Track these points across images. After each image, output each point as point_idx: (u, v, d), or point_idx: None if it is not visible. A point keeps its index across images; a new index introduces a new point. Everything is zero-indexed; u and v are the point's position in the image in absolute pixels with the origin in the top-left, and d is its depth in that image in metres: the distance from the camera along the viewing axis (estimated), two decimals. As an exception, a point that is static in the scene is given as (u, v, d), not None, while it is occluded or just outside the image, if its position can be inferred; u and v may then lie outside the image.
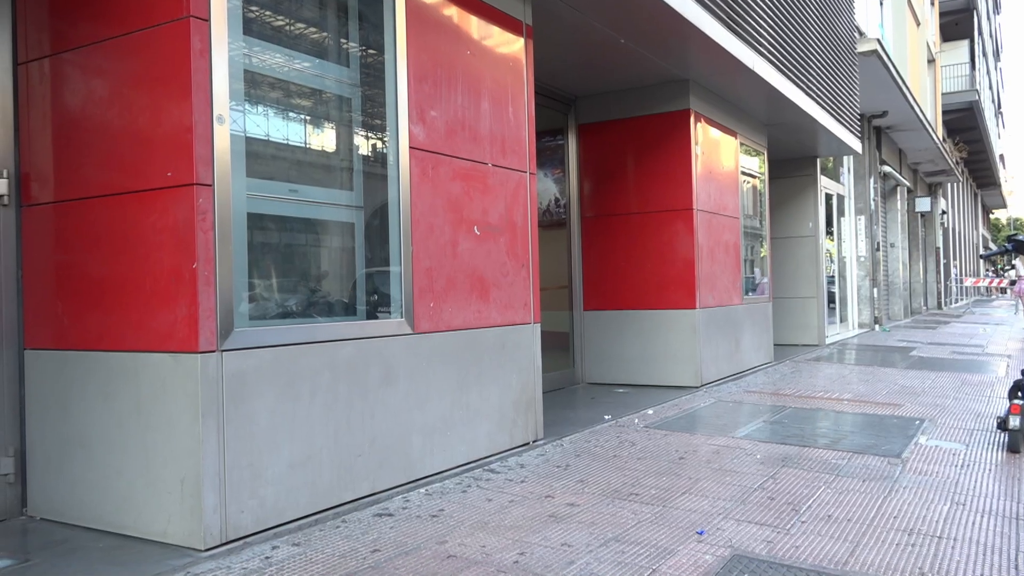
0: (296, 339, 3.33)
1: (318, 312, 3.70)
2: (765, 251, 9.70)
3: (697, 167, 7.26)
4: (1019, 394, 4.80)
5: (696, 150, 7.27)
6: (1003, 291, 33.25)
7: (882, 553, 2.92)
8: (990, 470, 4.14)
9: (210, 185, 3.00)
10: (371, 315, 3.92)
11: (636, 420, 5.60)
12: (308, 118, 3.74)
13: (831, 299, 13.08)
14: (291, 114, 3.63)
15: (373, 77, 3.95)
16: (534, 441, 4.84)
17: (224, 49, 3.08)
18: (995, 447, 4.67)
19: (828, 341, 11.94)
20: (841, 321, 13.85)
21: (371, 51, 3.96)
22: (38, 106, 3.45)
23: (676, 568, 2.79)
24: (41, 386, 3.42)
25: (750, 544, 3.03)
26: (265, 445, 3.16)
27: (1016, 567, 2.79)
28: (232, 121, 3.17)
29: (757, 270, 9.44)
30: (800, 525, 3.25)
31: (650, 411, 5.97)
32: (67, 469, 3.31)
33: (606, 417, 5.69)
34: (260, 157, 3.43)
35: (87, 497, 3.25)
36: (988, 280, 27.01)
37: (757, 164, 9.28)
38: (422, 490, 3.81)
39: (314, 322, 3.59)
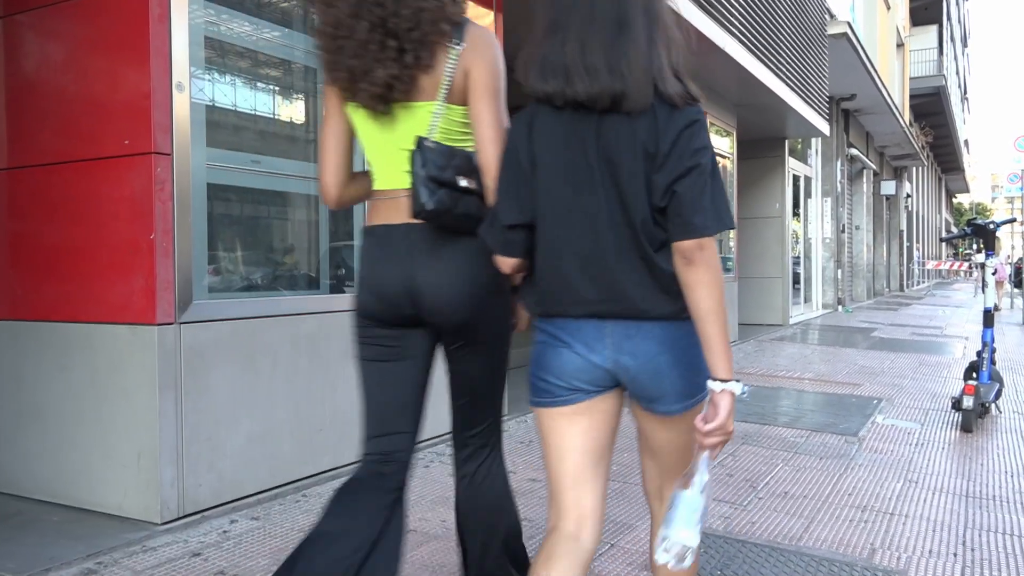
0: (257, 312, 3.29)
1: (281, 285, 3.66)
2: (732, 231, 9.77)
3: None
4: (973, 375, 4.91)
5: (665, 129, 7.27)
6: (969, 273, 33.89)
7: (835, 529, 2.98)
8: (943, 449, 4.23)
9: (169, 154, 2.93)
10: (335, 289, 3.88)
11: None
12: (272, 88, 3.67)
13: (796, 280, 13.24)
14: (255, 83, 3.57)
15: (339, 47, 3.89)
16: (498, 417, 4.84)
17: (184, 15, 3.00)
18: (949, 426, 4.78)
19: (792, 321, 12.10)
20: (805, 302, 14.03)
21: (337, 21, 3.89)
22: (-10, 69, 3.35)
23: (634, 543, 2.82)
24: (-6, 357, 3.35)
25: (708, 520, 3.07)
26: (224, 418, 3.13)
27: (964, 542, 2.86)
28: (194, 89, 3.10)
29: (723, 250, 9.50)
30: (757, 501, 3.30)
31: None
32: (21, 441, 3.26)
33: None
34: (222, 127, 3.37)
35: (41, 470, 3.20)
36: (949, 263, 27.52)
37: (727, 145, 9.32)
38: (384, 465, 3.80)
39: (276, 295, 3.55)
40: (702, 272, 1.50)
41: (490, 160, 1.78)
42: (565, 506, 1.64)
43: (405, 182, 1.78)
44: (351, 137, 1.93)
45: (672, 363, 1.57)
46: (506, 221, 1.64)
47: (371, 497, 1.87)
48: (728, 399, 1.51)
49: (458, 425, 2.09)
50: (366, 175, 1.94)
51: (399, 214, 1.82)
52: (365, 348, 1.95)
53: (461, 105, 1.84)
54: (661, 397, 1.59)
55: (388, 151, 1.85)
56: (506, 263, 1.68)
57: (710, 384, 1.52)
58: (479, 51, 1.88)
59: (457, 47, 1.83)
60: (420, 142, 1.75)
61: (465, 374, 2.00)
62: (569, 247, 1.59)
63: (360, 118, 1.87)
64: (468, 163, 1.80)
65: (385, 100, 1.79)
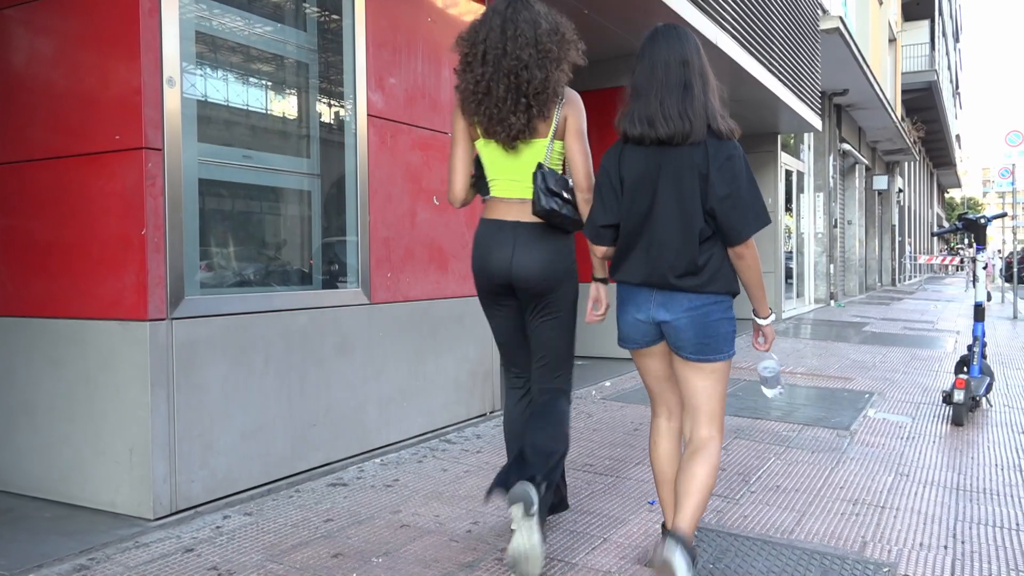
0: (249, 308, 3.28)
1: (273, 281, 3.66)
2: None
3: (659, 141, 7.27)
4: (965, 369, 4.93)
5: (658, 124, 7.27)
6: (959, 268, 34.00)
7: (827, 522, 2.99)
8: (934, 442, 4.25)
9: (160, 149, 2.92)
10: (328, 285, 3.88)
11: (593, 392, 5.65)
12: (264, 83, 3.66)
13: (788, 274, 13.27)
14: (246, 78, 3.55)
15: (332, 42, 3.88)
16: (491, 412, 4.85)
17: (175, 9, 2.99)
18: (940, 420, 4.80)
19: (784, 316, 12.13)
20: (797, 296, 14.07)
21: (330, 15, 3.88)
22: (-20, 64, 3.33)
23: (627, 537, 2.83)
24: (-15, 353, 3.33)
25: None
26: (217, 414, 3.12)
27: (954, 535, 2.88)
28: (186, 84, 3.09)
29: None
30: (749, 495, 3.31)
31: (607, 383, 6.02)
32: (12, 438, 3.25)
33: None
34: (213, 122, 3.36)
35: (33, 466, 3.19)
36: (941, 258, 27.59)
37: (719, 139, 9.32)
38: (377, 460, 3.80)
39: (268, 291, 3.55)
40: (748, 260, 2.35)
41: (581, 179, 2.66)
42: (657, 403, 2.58)
43: (518, 193, 2.66)
44: (473, 158, 2.76)
45: (690, 323, 2.33)
46: (600, 222, 2.46)
47: (516, 393, 2.89)
48: (770, 329, 2.56)
49: (538, 378, 2.78)
50: (474, 185, 2.80)
51: (509, 214, 2.67)
52: (488, 312, 2.84)
53: (560, 140, 2.69)
54: (684, 346, 2.36)
55: (509, 171, 2.69)
56: (599, 250, 2.51)
57: (758, 321, 2.55)
58: (573, 105, 2.73)
59: (561, 101, 2.67)
60: (540, 166, 2.62)
61: (543, 336, 2.73)
62: (636, 237, 2.39)
63: (489, 149, 2.69)
64: (567, 184, 2.65)
65: (514, 139, 2.62)
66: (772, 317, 2.54)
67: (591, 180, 2.63)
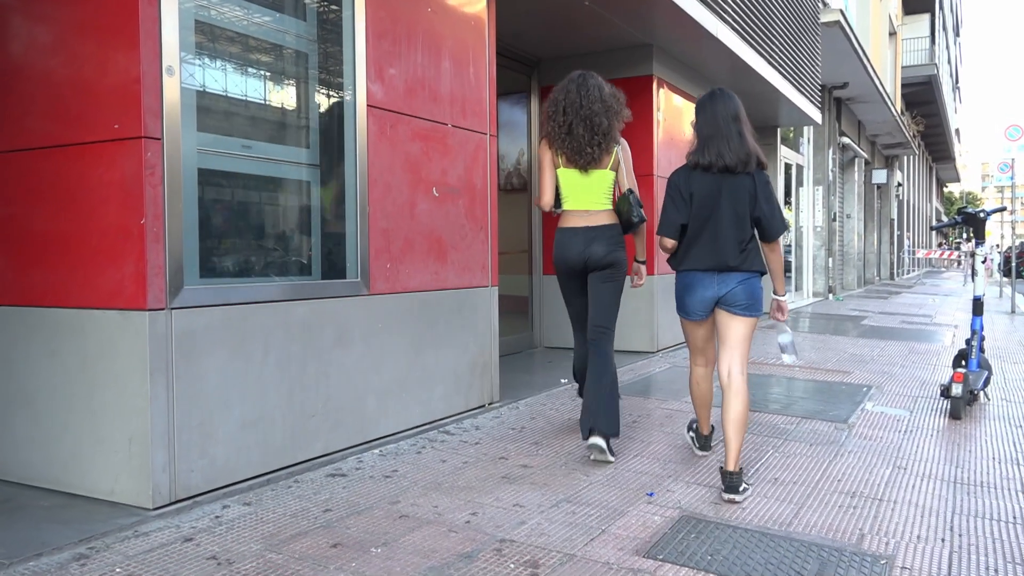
0: (248, 298, 3.28)
1: (272, 271, 3.65)
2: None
3: (658, 133, 7.27)
4: (962, 362, 4.94)
5: (658, 116, 7.27)
6: (958, 263, 34.00)
7: (825, 514, 3.00)
8: (932, 436, 4.26)
9: (159, 139, 2.92)
10: (327, 275, 3.88)
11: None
12: (263, 73, 3.65)
13: (787, 268, 13.28)
14: (246, 68, 3.54)
15: (331, 32, 3.86)
16: (490, 404, 4.86)
17: (174, -2, 2.97)
18: (938, 414, 4.81)
19: (783, 309, 12.12)
20: (796, 290, 14.08)
21: (329, 5, 3.86)
22: (-22, 52, 3.31)
23: (625, 528, 2.83)
24: (-16, 342, 3.33)
25: (698, 506, 3.09)
26: (216, 404, 3.12)
27: (952, 528, 2.88)
28: (185, 74, 3.08)
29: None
30: (747, 488, 3.32)
31: (606, 375, 6.01)
32: (10, 426, 3.25)
33: (562, 381, 5.73)
34: (212, 111, 3.35)
35: (32, 455, 3.19)
36: (940, 252, 27.61)
37: (718, 132, 9.30)
38: (376, 451, 3.81)
39: (267, 281, 3.54)
40: (777, 253, 3.48)
41: (638, 196, 4.03)
42: (697, 356, 3.67)
43: (585, 205, 3.92)
44: (555, 179, 3.98)
45: (745, 290, 3.37)
46: (677, 222, 3.43)
47: (584, 350, 4.07)
48: (785, 303, 3.63)
49: (594, 318, 3.93)
50: (557, 198, 4.02)
51: (582, 221, 3.92)
52: (565, 287, 4.10)
53: (614, 171, 3.97)
54: (737, 304, 3.38)
55: (580, 189, 3.93)
56: (668, 242, 3.49)
57: (777, 297, 3.61)
58: (626, 148, 4.04)
59: (618, 146, 3.97)
60: (630, 191, 3.96)
61: (599, 295, 3.93)
62: (703, 236, 3.40)
63: (568, 173, 3.93)
64: (640, 202, 3.99)
65: (588, 167, 3.89)
66: (788, 295, 3.30)
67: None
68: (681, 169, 3.51)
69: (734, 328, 3.40)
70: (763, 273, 3.43)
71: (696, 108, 3.57)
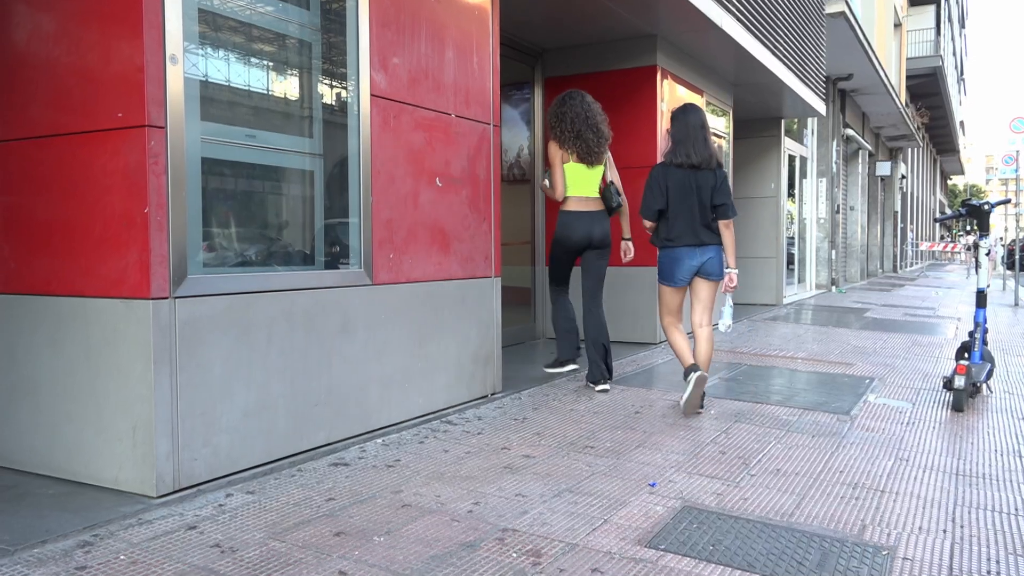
0: (252, 287, 3.28)
1: (276, 261, 3.66)
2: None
3: (662, 124, 7.25)
4: (965, 355, 4.94)
5: (662, 107, 7.25)
6: (961, 256, 33.90)
7: (827, 506, 3.01)
8: (934, 428, 4.26)
9: (162, 127, 2.91)
10: (330, 265, 3.88)
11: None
12: (267, 62, 3.64)
13: (790, 260, 13.26)
14: (249, 57, 3.54)
15: (335, 22, 3.86)
16: (492, 394, 4.87)
17: (178, -14, 2.96)
18: (940, 406, 4.81)
19: (786, 301, 12.14)
20: (799, 282, 14.07)
21: (332, -6, 3.85)
22: (-19, 40, 3.31)
23: (628, 518, 2.84)
24: (-12, 331, 3.34)
25: (700, 496, 3.10)
26: (219, 393, 3.13)
27: (953, 519, 2.89)
28: (188, 63, 3.07)
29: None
30: (749, 478, 3.33)
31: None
32: (15, 414, 3.26)
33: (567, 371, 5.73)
34: (216, 101, 3.34)
35: (36, 443, 3.20)
36: (943, 244, 27.55)
37: (723, 124, 9.29)
38: (379, 440, 3.82)
39: (270, 271, 3.55)
40: (730, 231, 4.53)
41: (621, 187, 5.23)
42: (673, 317, 4.62)
43: (587, 193, 5.05)
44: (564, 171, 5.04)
45: (713, 261, 4.49)
46: (655, 207, 4.51)
47: (570, 312, 5.25)
48: (735, 274, 4.57)
49: (588, 293, 5.13)
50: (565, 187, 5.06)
51: (585, 206, 5.03)
52: (563, 261, 5.18)
53: (603, 167, 5.11)
54: (711, 273, 4.50)
55: (584, 181, 5.03)
56: (648, 223, 4.58)
57: (727, 269, 4.55)
58: (610, 151, 5.21)
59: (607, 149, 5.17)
60: (612, 183, 5.14)
61: (597, 270, 5.12)
62: (680, 219, 4.46)
63: (577, 167, 5.00)
64: (620, 191, 5.18)
65: (593, 164, 5.02)
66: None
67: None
68: (659, 165, 4.58)
69: (705, 290, 4.58)
70: (721, 246, 4.57)
71: (671, 117, 4.62)
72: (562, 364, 5.31)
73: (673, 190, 4.45)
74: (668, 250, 4.51)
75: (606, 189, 5.07)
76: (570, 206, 5.01)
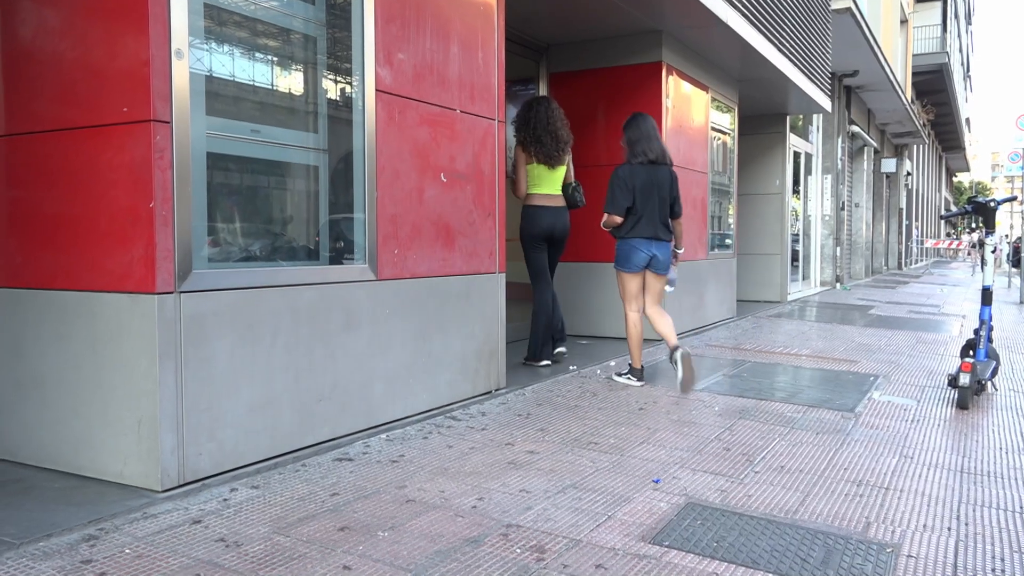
0: (256, 282, 3.28)
1: (280, 256, 3.66)
2: (732, 207, 9.75)
3: (667, 121, 7.24)
4: (970, 352, 4.93)
5: (667, 103, 7.24)
6: (969, 253, 33.80)
7: (831, 503, 3.00)
8: (939, 425, 4.26)
9: (168, 122, 2.92)
10: (335, 260, 3.88)
11: (598, 371, 5.66)
12: (272, 57, 3.64)
13: (794, 257, 13.24)
14: (254, 52, 3.53)
15: (340, 17, 3.85)
16: (496, 390, 4.87)
17: (183, -19, 2.96)
18: (945, 403, 4.80)
19: (790, 298, 12.12)
20: (803, 279, 14.04)
21: (338, -11, 3.85)
22: (-13, 35, 3.31)
23: (631, 514, 2.84)
24: (-6, 325, 3.35)
25: (704, 493, 3.09)
26: (224, 388, 3.13)
27: (958, 517, 2.88)
28: (193, 58, 3.07)
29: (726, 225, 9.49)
30: (754, 475, 3.33)
31: (612, 362, 6.03)
32: (21, 409, 3.27)
33: (569, 368, 5.73)
34: (221, 96, 3.34)
35: (42, 437, 3.21)
36: (948, 242, 27.47)
37: (728, 120, 9.27)
38: (383, 436, 3.82)
39: (275, 266, 3.55)
40: (681, 224, 5.33)
41: (572, 182, 5.87)
42: (635, 303, 5.21)
43: (550, 190, 5.66)
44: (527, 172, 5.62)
45: (664, 256, 5.13)
46: (624, 204, 5.03)
47: (546, 299, 5.78)
48: (681, 253, 5.43)
49: (551, 277, 5.81)
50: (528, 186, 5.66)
51: (548, 202, 5.64)
52: (538, 249, 5.72)
53: (565, 167, 5.72)
54: (659, 267, 5.12)
55: (548, 180, 5.65)
56: (617, 219, 5.06)
57: (677, 250, 5.36)
58: (570, 152, 5.80)
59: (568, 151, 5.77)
60: (577, 183, 5.83)
61: (553, 257, 5.84)
62: (645, 214, 5.03)
63: (539, 168, 5.59)
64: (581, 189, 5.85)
65: (555, 165, 5.62)
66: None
67: None
68: (626, 166, 5.09)
69: (656, 283, 5.21)
70: (670, 243, 5.19)
71: (624, 127, 5.21)
72: (537, 360, 5.78)
73: (639, 189, 5.00)
74: (629, 239, 5.07)
75: (567, 187, 5.68)
76: (534, 201, 5.59)
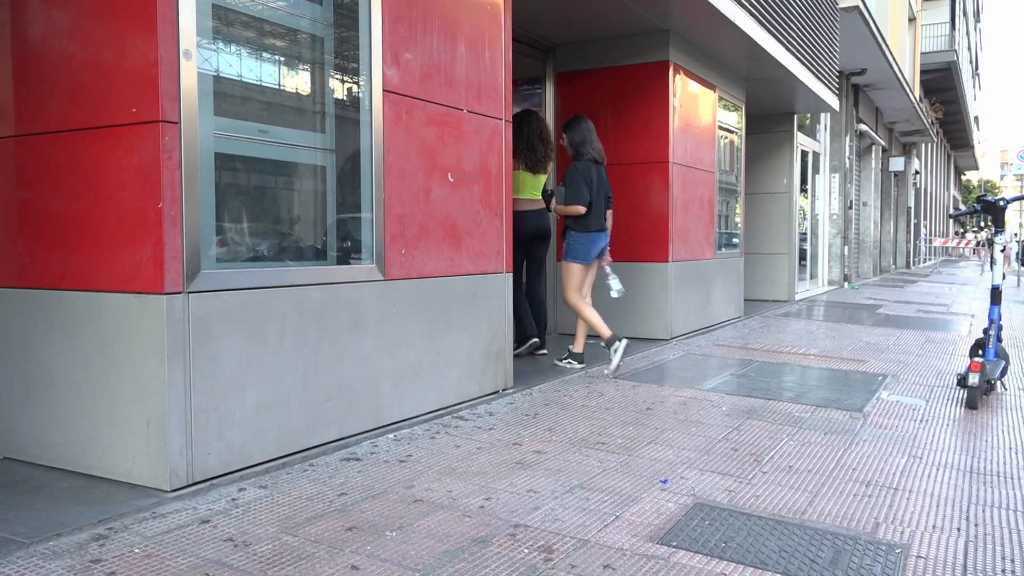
0: (264, 283, 3.29)
1: (288, 256, 3.66)
2: (739, 206, 9.73)
3: (674, 120, 7.23)
4: (980, 352, 4.91)
5: (674, 102, 7.22)
6: (975, 252, 33.65)
7: (840, 503, 2.99)
8: (948, 425, 4.24)
9: (176, 123, 2.92)
10: (342, 260, 3.88)
11: (605, 371, 5.65)
12: (279, 57, 3.65)
13: (802, 256, 13.20)
14: (262, 53, 3.54)
15: (347, 17, 3.85)
16: (504, 390, 4.87)
17: (191, -19, 2.97)
18: (954, 403, 4.78)
19: (798, 297, 12.09)
20: (811, 278, 14.01)
21: (345, -11, 3.85)
22: (-3, 36, 3.32)
23: (639, 515, 2.84)
24: (2, 325, 3.36)
25: (712, 493, 3.09)
26: (232, 388, 3.14)
27: (968, 518, 2.87)
28: (201, 58, 3.08)
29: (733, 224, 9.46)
30: (762, 475, 3.32)
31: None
32: (30, 408, 3.28)
33: (576, 367, 5.73)
34: (229, 96, 3.35)
35: (51, 437, 3.23)
36: (956, 240, 27.36)
37: (735, 119, 9.25)
38: (390, 435, 3.83)
39: (283, 266, 3.55)
40: (612, 215, 5.96)
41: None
42: (582, 288, 5.75)
43: (533, 195, 6.08)
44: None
45: (606, 244, 5.78)
46: (588, 197, 5.60)
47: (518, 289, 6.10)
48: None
49: (536, 277, 6.31)
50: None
51: (533, 206, 6.06)
52: (518, 252, 5.94)
53: (546, 174, 6.24)
54: (603, 255, 5.78)
55: (532, 186, 6.09)
56: (581, 209, 5.58)
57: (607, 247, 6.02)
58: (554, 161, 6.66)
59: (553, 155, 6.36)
60: (557, 189, 5.79)
61: (543, 257, 6.31)
62: (598, 208, 5.66)
63: (524, 175, 6.02)
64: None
65: (538, 172, 6.10)
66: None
67: None
68: (584, 162, 5.62)
69: (595, 269, 5.80)
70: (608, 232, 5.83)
71: (565, 128, 5.75)
72: (522, 343, 6.18)
73: (594, 183, 5.59)
74: (589, 234, 5.61)
75: (545, 192, 6.18)
76: (520, 206, 5.97)
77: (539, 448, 3.68)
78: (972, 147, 43.56)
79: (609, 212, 5.80)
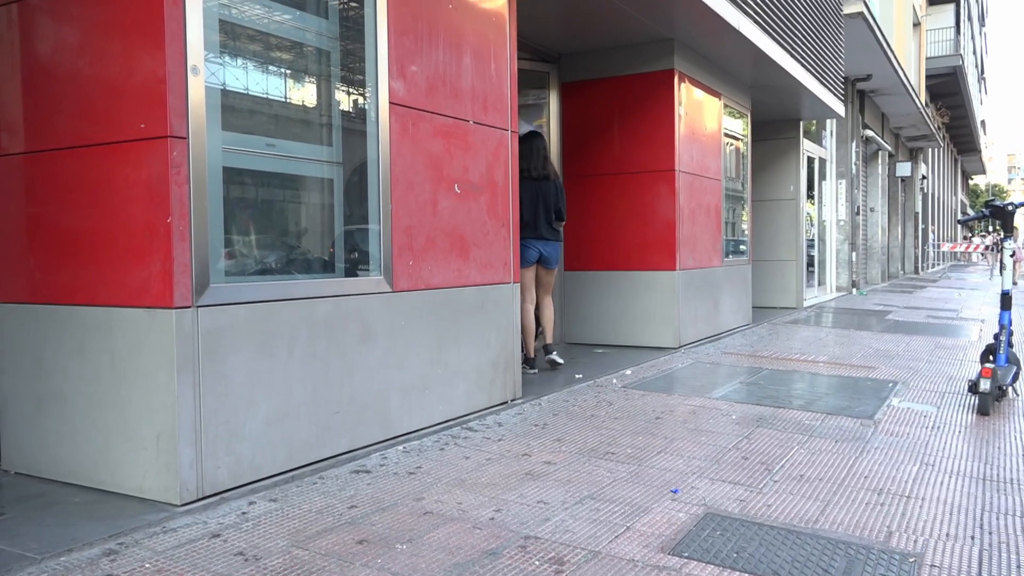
0: (273, 296, 3.30)
1: (296, 269, 3.67)
2: (746, 214, 9.71)
3: (680, 128, 7.23)
4: (990, 358, 4.88)
5: (679, 111, 7.23)
6: (983, 255, 33.49)
7: (852, 512, 2.98)
8: (960, 432, 4.21)
9: (184, 138, 2.94)
10: (350, 273, 3.89)
11: (614, 380, 5.64)
12: (286, 71, 3.67)
13: (810, 262, 13.17)
14: (268, 67, 3.56)
15: (353, 30, 3.87)
16: (512, 400, 4.86)
17: (198, -2, 2.99)
18: (966, 410, 4.75)
19: (806, 304, 12.05)
20: (819, 284, 13.96)
21: (351, 3, 3.87)
22: (6, 53, 3.35)
23: (650, 525, 2.83)
24: (14, 340, 3.38)
25: (723, 503, 3.07)
26: (242, 401, 3.15)
27: (981, 526, 2.85)
28: (208, 73, 3.10)
29: (740, 231, 9.45)
30: (773, 484, 3.30)
31: (628, 371, 6.01)
32: (41, 424, 3.29)
33: (577, 376, 5.72)
34: (236, 110, 3.37)
35: (62, 452, 3.23)
36: (965, 245, 27.25)
37: (740, 126, 9.25)
38: (400, 447, 3.82)
39: (291, 279, 3.56)
40: (562, 227, 6.32)
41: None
42: (528, 293, 5.98)
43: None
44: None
45: (554, 253, 6.11)
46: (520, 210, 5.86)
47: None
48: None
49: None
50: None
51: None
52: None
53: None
54: (549, 262, 6.09)
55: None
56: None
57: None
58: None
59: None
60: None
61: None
62: (532, 221, 5.94)
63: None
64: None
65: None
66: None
67: None
68: (523, 180, 5.84)
69: (546, 278, 6.13)
70: (561, 241, 6.16)
71: (520, 141, 5.60)
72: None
73: (525, 200, 5.91)
74: (524, 239, 5.94)
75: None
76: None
77: (549, 459, 3.67)
78: (979, 151, 43.45)
79: (560, 223, 6.10)
